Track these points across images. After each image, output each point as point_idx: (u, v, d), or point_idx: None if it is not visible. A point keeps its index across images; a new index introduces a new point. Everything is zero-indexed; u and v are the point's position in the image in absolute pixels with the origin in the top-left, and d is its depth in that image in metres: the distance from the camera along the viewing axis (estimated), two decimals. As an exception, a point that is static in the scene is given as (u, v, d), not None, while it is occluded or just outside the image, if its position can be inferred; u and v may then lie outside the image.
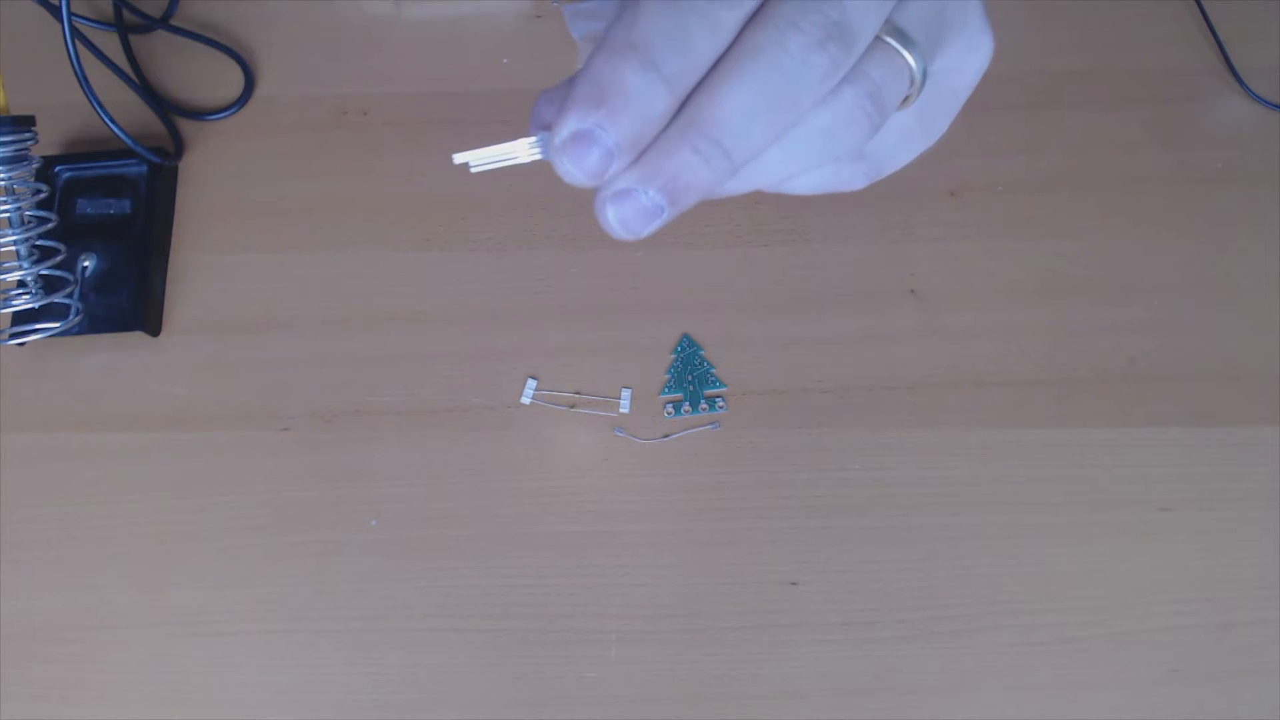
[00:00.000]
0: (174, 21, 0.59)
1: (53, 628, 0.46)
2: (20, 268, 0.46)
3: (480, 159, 0.22)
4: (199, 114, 0.56)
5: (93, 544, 0.47)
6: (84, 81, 0.48)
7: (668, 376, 0.50)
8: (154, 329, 0.51)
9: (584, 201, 0.61)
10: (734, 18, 0.20)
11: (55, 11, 0.48)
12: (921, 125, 0.25)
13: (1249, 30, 0.57)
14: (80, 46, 0.48)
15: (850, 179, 0.25)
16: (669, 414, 0.49)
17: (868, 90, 0.21)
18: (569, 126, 0.20)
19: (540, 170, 0.62)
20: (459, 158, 0.22)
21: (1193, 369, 0.50)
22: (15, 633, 0.46)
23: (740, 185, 0.23)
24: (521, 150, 0.22)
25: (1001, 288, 0.51)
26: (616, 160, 0.20)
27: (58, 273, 0.48)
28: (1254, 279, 0.52)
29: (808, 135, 0.22)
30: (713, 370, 0.50)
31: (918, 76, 0.22)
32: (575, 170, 0.20)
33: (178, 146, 0.55)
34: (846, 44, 0.20)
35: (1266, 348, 0.50)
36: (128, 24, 0.58)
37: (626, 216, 0.21)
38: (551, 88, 0.23)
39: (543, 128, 0.22)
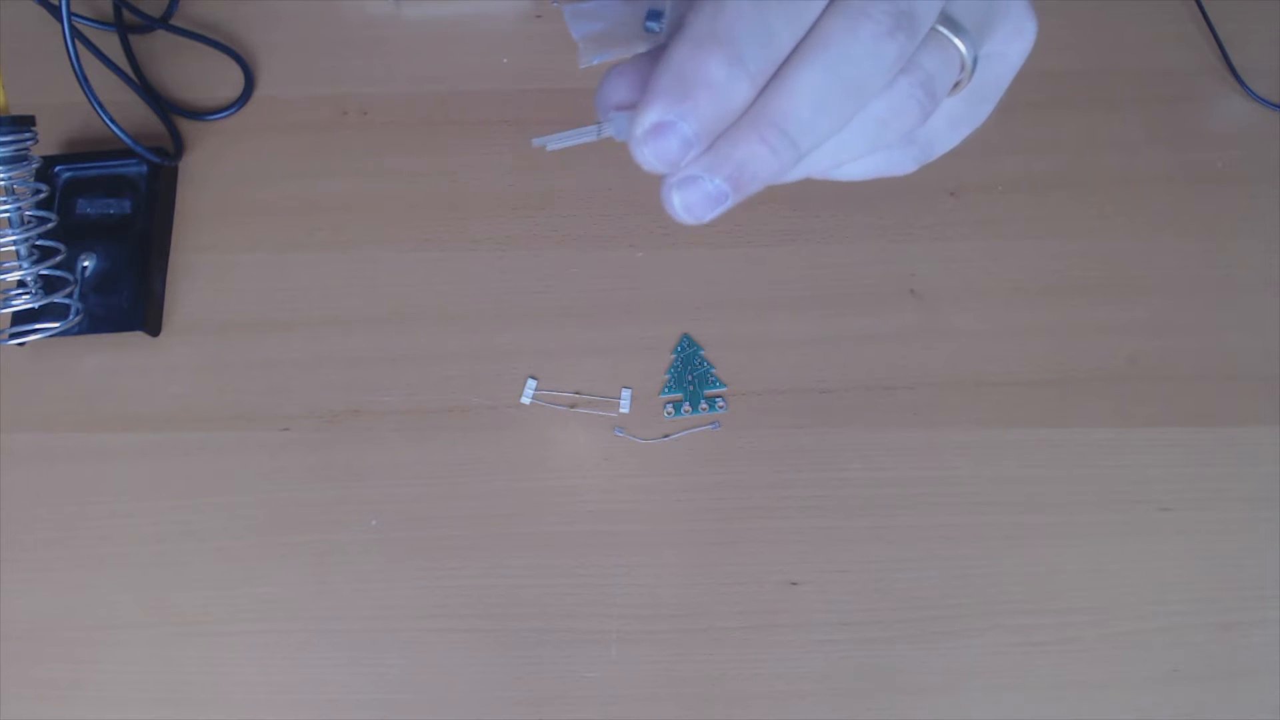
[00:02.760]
0: (174, 21, 0.59)
1: (53, 628, 0.46)
2: (20, 268, 0.46)
3: (556, 141, 0.23)
4: (199, 114, 0.56)
5: (93, 544, 0.47)
6: (84, 81, 0.48)
7: (668, 376, 0.50)
8: (154, 329, 0.51)
9: (583, 202, 0.61)
10: (814, 9, 0.20)
11: (55, 11, 0.48)
12: (968, 109, 0.25)
13: (1249, 30, 0.57)
14: (80, 46, 0.48)
15: (900, 163, 0.25)
16: (669, 414, 0.49)
17: (921, 80, 0.22)
18: (651, 117, 0.21)
19: (539, 170, 0.61)
20: (537, 141, 0.23)
21: (1193, 369, 0.50)
22: (15, 633, 0.46)
23: (796, 173, 0.23)
24: (595, 131, 0.23)
25: (1001, 288, 0.51)
26: (693, 149, 0.21)
27: (58, 273, 0.48)
28: (1254, 279, 0.52)
29: (861, 124, 0.22)
30: (713, 370, 0.50)
31: (968, 63, 0.23)
32: (654, 160, 0.21)
33: (178, 146, 0.55)
34: (913, 32, 0.20)
35: (1266, 348, 0.50)
36: (128, 24, 0.58)
37: (691, 202, 0.22)
38: (619, 65, 0.23)
39: (613, 105, 0.23)
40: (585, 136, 0.23)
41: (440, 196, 0.54)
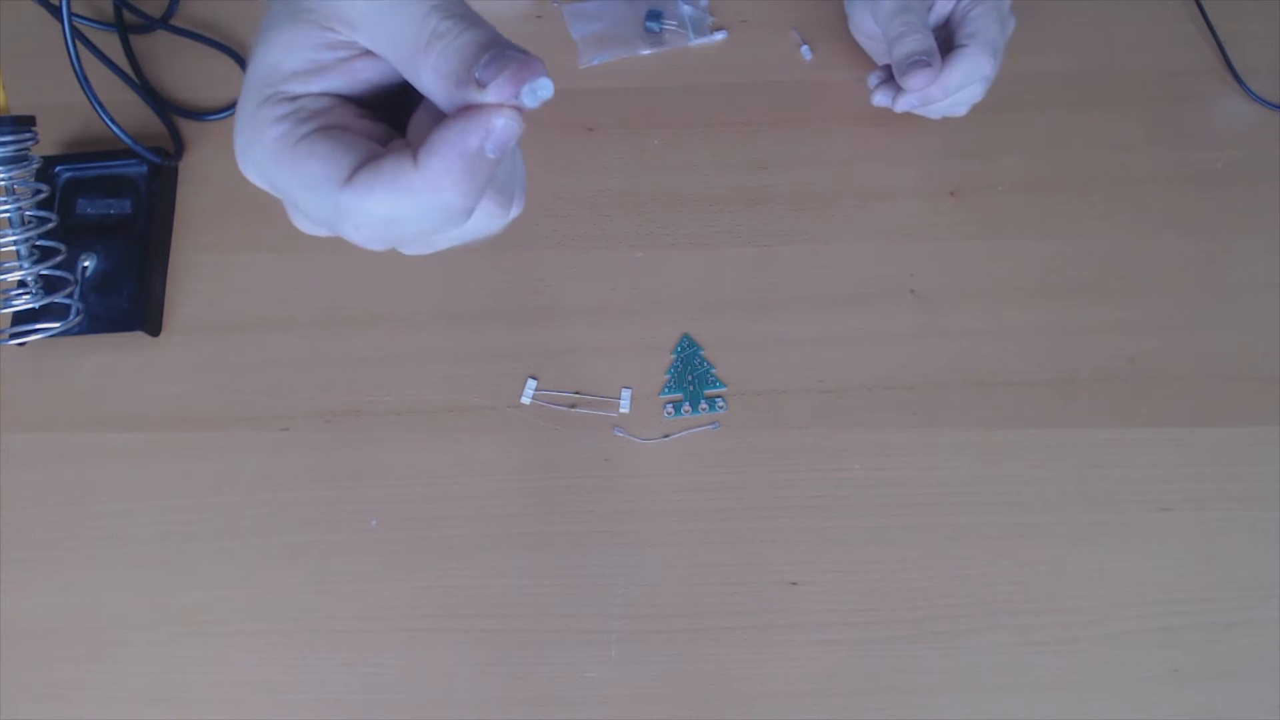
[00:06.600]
0: (174, 21, 0.59)
1: (53, 628, 0.46)
2: (20, 268, 0.46)
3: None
4: (199, 114, 0.56)
5: (93, 544, 0.47)
6: (84, 81, 0.48)
7: (668, 376, 0.50)
8: (154, 329, 0.51)
9: (583, 201, 0.61)
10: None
11: (55, 11, 0.48)
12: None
13: (1249, 30, 0.57)
14: (80, 46, 0.48)
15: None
16: (669, 414, 0.49)
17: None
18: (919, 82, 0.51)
19: (539, 169, 0.61)
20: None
21: (1193, 369, 0.50)
22: (15, 633, 0.46)
23: (937, 108, 0.53)
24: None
25: (1001, 288, 0.51)
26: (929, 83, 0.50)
27: (58, 273, 0.48)
28: (1254, 279, 0.52)
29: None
30: (713, 370, 0.50)
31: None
32: (917, 85, 0.49)
33: (178, 146, 0.55)
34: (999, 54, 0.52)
35: (1266, 348, 0.50)
36: (128, 24, 0.58)
37: (915, 85, 0.48)
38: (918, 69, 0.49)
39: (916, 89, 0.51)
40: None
41: (440, 196, 0.54)
